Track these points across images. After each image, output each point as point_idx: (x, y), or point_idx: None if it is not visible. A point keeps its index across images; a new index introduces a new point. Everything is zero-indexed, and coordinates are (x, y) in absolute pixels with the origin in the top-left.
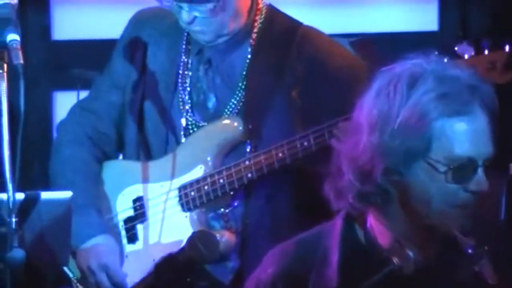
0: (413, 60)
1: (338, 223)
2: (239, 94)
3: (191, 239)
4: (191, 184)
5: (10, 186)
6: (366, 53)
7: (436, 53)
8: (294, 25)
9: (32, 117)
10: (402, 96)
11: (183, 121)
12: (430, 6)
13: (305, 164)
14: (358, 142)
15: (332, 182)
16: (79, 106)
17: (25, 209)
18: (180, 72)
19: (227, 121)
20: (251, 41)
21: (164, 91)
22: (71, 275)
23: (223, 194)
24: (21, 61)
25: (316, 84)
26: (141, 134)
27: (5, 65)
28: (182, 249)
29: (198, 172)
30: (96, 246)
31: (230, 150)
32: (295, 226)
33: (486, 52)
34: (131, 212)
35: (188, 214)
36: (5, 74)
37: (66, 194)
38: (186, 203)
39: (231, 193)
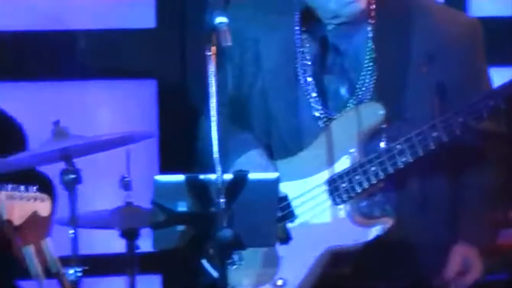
0: None
1: None
2: (368, 77)
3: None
4: (340, 176)
5: (219, 167)
6: None
7: None
8: None
9: None
10: None
11: (314, 113)
12: None
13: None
14: None
15: None
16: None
17: (233, 190)
18: (298, 63)
19: (366, 107)
20: (370, 19)
21: (285, 86)
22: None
23: (378, 181)
24: (230, 43)
25: (445, 57)
26: (272, 132)
27: (214, 48)
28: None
29: (344, 163)
30: (249, 158)
31: (371, 136)
32: (451, 207)
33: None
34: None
35: (342, 206)
36: (213, 56)
37: (273, 175)
38: (338, 196)
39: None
